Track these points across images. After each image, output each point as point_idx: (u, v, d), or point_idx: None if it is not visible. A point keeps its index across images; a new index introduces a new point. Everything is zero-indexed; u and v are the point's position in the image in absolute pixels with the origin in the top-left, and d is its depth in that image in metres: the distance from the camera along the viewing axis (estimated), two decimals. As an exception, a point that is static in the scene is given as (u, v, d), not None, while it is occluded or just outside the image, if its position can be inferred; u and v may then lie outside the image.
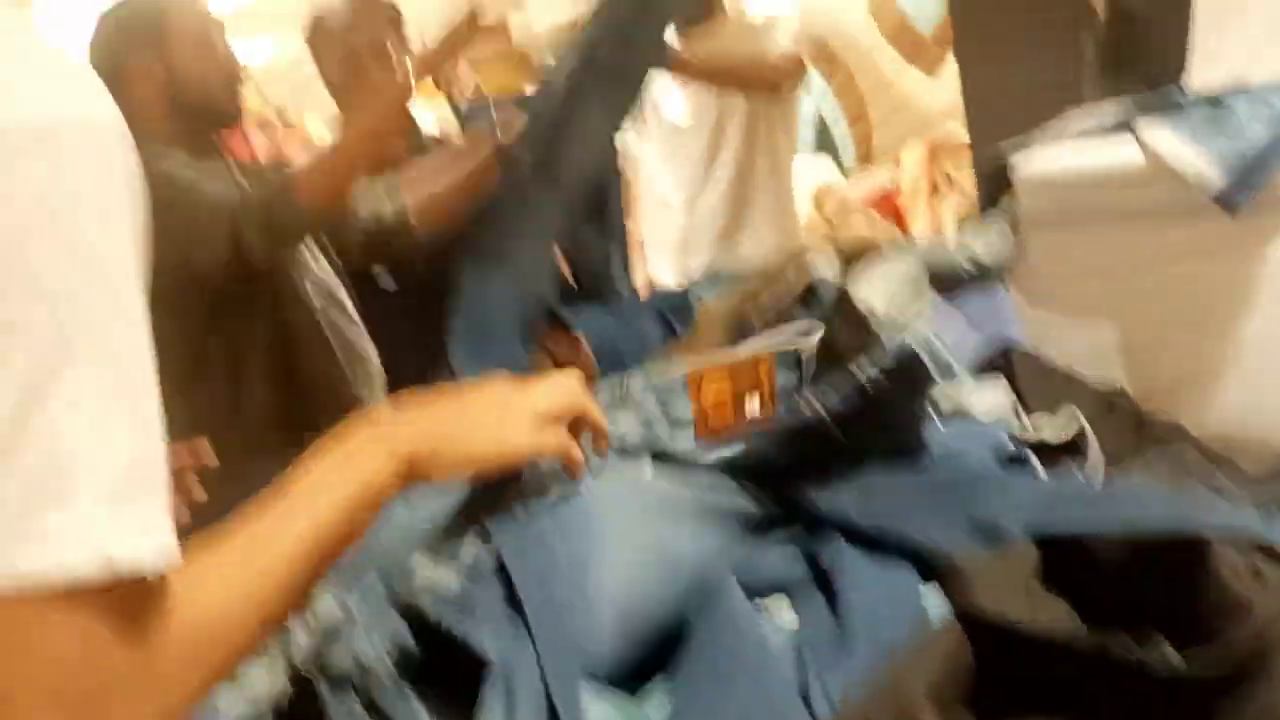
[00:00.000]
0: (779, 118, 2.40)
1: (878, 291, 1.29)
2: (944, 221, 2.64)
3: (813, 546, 0.71)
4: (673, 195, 2.46)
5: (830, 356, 1.17)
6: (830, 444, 0.72)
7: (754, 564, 0.69)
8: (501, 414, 0.69)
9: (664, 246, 2.51)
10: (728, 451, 0.76)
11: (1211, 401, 1.13)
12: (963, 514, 0.68)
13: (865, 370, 0.71)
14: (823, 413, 0.70)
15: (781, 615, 0.67)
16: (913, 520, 0.70)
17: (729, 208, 2.37)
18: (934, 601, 0.67)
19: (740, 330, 1.31)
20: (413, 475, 0.63)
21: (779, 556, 0.71)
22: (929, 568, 0.68)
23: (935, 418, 0.86)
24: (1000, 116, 1.90)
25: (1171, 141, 1.11)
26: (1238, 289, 1.13)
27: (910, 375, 0.73)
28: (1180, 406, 1.13)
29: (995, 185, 1.34)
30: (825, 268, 1.43)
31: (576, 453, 0.70)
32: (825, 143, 3.13)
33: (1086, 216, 1.24)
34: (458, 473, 0.67)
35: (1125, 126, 1.18)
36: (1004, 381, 1.00)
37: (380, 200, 1.70)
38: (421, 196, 1.70)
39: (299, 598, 0.55)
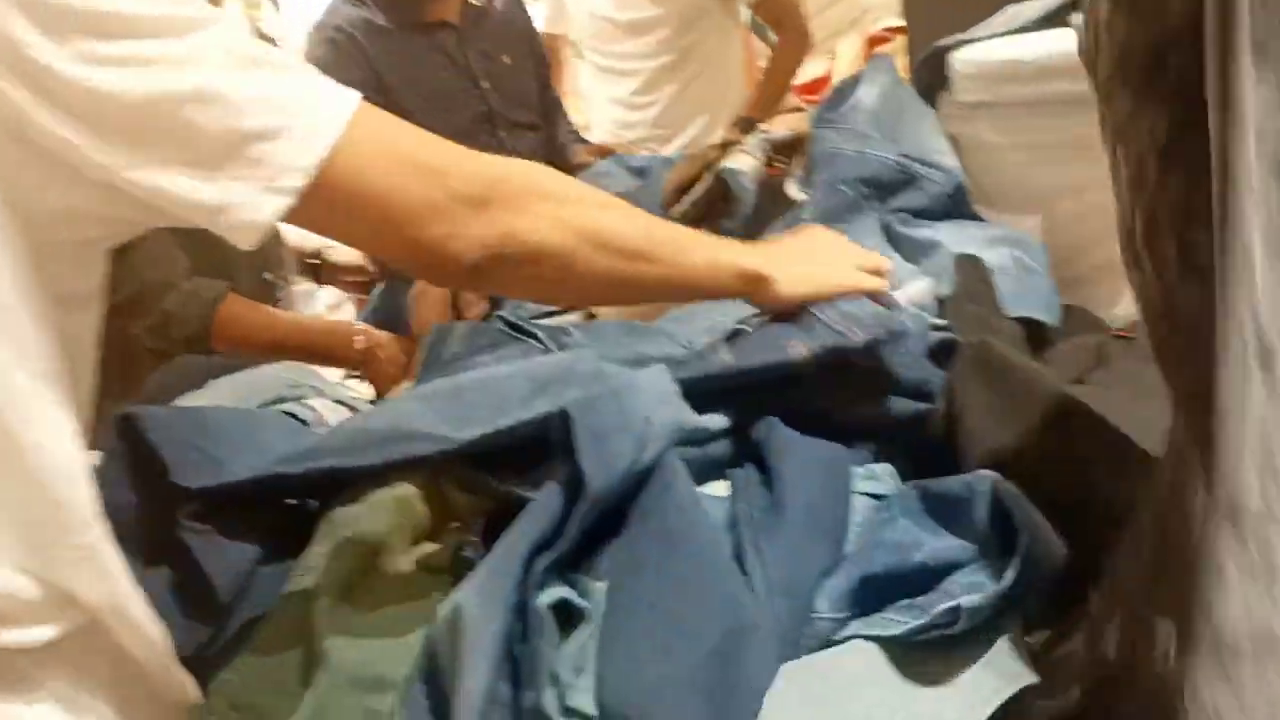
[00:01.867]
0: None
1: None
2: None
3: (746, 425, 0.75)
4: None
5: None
6: (801, 382, 0.76)
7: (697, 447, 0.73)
8: (833, 253, 0.88)
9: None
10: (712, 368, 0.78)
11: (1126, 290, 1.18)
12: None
13: (857, 335, 0.75)
14: (810, 357, 0.74)
15: (718, 490, 0.71)
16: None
17: (676, 91, 2.39)
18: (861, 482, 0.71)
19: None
20: (758, 294, 0.82)
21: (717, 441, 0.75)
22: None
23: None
24: (939, 8, 1.90)
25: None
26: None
27: (896, 344, 0.77)
28: (1100, 296, 1.18)
29: (930, 77, 1.35)
30: (746, 161, 1.46)
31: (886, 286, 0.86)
32: (758, 34, 3.08)
33: (1020, 107, 1.26)
34: (797, 294, 0.82)
35: (1064, 18, 1.20)
36: (928, 277, 1.03)
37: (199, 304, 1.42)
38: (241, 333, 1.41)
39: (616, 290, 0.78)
